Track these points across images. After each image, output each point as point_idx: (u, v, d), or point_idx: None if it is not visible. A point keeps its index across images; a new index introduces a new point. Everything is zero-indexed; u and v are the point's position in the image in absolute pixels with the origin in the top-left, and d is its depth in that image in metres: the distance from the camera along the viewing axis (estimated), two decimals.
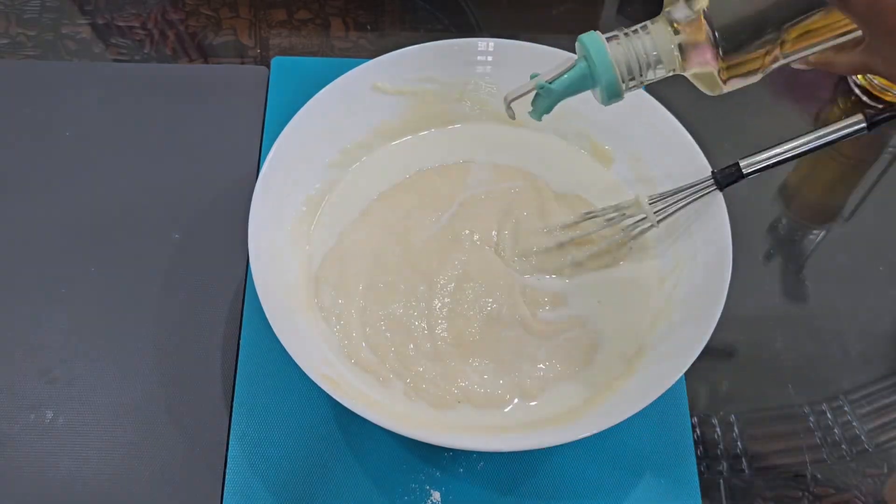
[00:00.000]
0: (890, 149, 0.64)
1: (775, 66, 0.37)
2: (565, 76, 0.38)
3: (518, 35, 0.56)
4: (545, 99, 0.39)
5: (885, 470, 0.50)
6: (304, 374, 0.42)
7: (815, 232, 0.60)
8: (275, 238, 0.50)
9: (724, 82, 0.37)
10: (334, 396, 0.42)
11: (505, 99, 0.40)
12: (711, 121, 0.56)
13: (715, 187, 0.49)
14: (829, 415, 0.52)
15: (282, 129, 0.51)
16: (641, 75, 0.38)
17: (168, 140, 0.61)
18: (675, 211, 0.50)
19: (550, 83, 0.39)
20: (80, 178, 0.59)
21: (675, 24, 0.37)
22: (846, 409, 0.52)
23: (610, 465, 0.48)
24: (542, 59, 0.55)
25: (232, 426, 0.49)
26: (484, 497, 0.47)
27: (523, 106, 0.43)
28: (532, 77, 0.39)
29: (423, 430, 0.44)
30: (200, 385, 0.51)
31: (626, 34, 0.38)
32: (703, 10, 0.35)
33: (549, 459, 0.48)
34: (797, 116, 0.66)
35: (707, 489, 0.49)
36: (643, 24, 0.38)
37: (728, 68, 0.36)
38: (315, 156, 0.54)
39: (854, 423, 0.52)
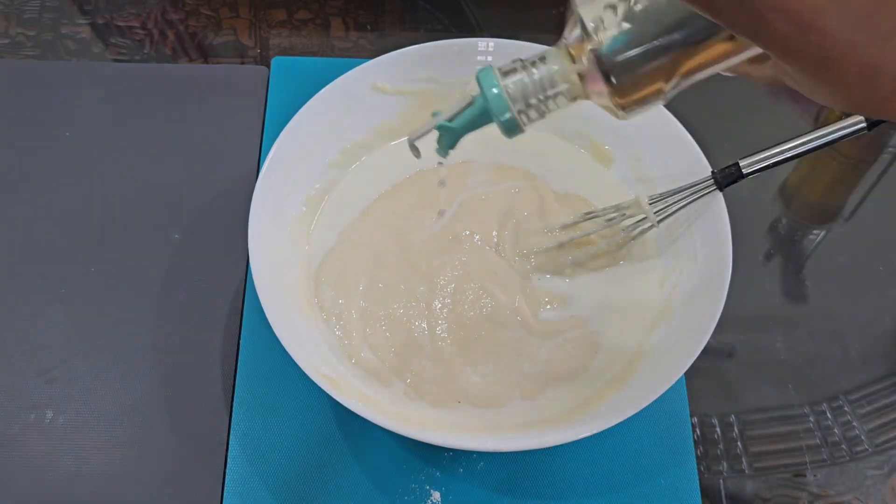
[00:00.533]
0: (890, 149, 0.64)
1: (676, 91, 0.37)
2: (464, 113, 0.38)
3: (518, 35, 0.56)
4: (447, 136, 0.39)
5: (885, 470, 0.50)
6: (304, 374, 0.42)
7: (815, 232, 0.60)
8: (275, 238, 0.50)
9: (623, 110, 0.36)
10: (334, 396, 0.42)
11: (408, 140, 0.40)
12: (711, 121, 0.56)
13: (715, 187, 0.49)
14: (829, 415, 0.52)
15: (282, 129, 0.51)
16: (542, 106, 0.37)
17: (168, 140, 0.61)
18: (675, 211, 0.50)
19: (450, 121, 0.38)
20: (80, 178, 0.59)
21: (570, 52, 0.36)
22: (846, 409, 0.52)
23: (610, 465, 0.48)
24: None
25: (232, 426, 0.49)
26: (484, 497, 0.47)
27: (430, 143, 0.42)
28: (433, 115, 0.38)
29: (423, 430, 0.44)
30: (200, 385, 0.51)
31: (523, 65, 0.37)
32: (587, 41, 0.34)
33: (549, 459, 0.48)
34: (797, 116, 0.66)
35: (707, 489, 0.49)
36: (542, 53, 0.37)
37: (622, 98, 0.35)
38: (315, 156, 0.54)
39: (854, 423, 0.52)
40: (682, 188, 0.50)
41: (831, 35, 0.28)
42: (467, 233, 0.54)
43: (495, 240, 0.54)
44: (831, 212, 0.62)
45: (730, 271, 0.46)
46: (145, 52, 0.67)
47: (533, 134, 0.58)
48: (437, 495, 0.47)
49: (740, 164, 0.48)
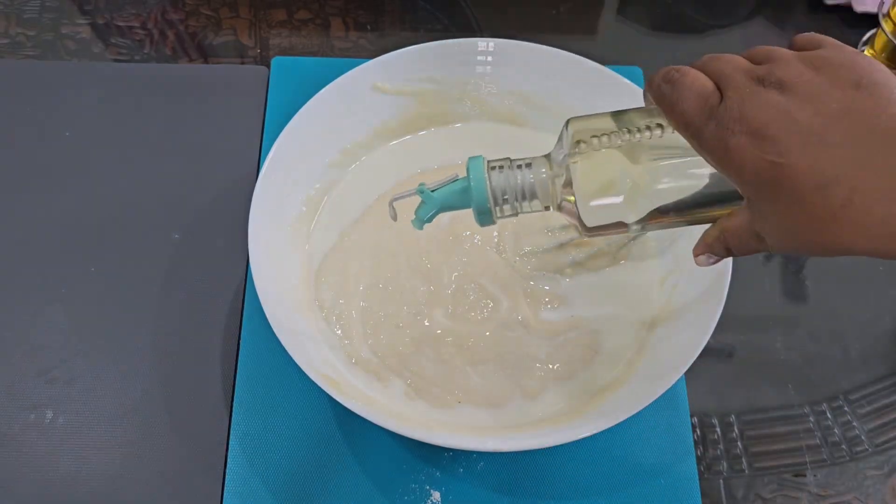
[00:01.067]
0: None
1: (638, 237, 0.39)
2: (446, 188, 0.40)
3: (518, 35, 0.56)
4: (426, 206, 0.41)
5: (885, 470, 0.50)
6: (304, 374, 0.42)
7: None
8: (275, 238, 0.50)
9: (585, 235, 0.39)
10: (334, 396, 0.42)
11: (390, 201, 0.42)
12: None
13: None
14: (829, 415, 0.52)
15: (282, 129, 0.51)
16: (517, 204, 0.39)
17: (168, 140, 0.61)
18: None
19: (433, 191, 0.40)
20: (80, 178, 0.59)
21: (554, 172, 0.39)
22: (846, 409, 0.52)
23: (610, 465, 0.48)
24: (542, 59, 0.55)
25: (232, 426, 0.49)
26: (484, 497, 0.47)
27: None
28: (420, 185, 0.41)
29: (423, 430, 0.44)
30: (200, 385, 0.51)
31: (511, 165, 0.39)
32: (571, 180, 0.37)
33: (549, 459, 0.48)
34: None
35: (707, 489, 0.49)
36: (529, 159, 0.39)
37: (586, 232, 0.38)
38: (315, 156, 0.54)
39: (854, 423, 0.52)
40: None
41: (784, 141, 0.30)
42: (468, 233, 0.54)
43: (496, 240, 0.54)
44: None
45: (730, 271, 0.46)
46: (145, 52, 0.67)
47: (533, 134, 0.59)
48: (437, 495, 0.47)
49: None
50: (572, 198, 0.37)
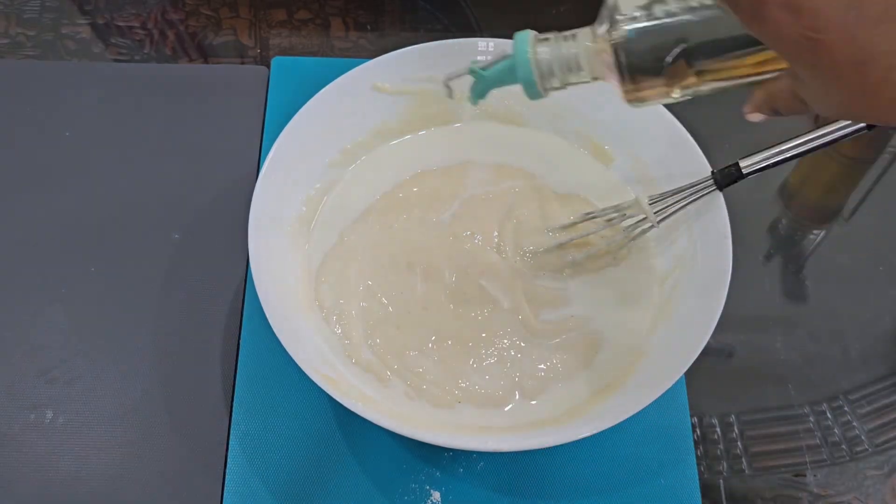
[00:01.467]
0: (890, 149, 0.64)
1: (685, 96, 0.38)
2: (496, 66, 0.40)
3: None
4: (479, 84, 0.41)
5: (885, 470, 0.50)
6: (304, 374, 0.42)
7: (815, 232, 0.60)
8: (275, 238, 0.50)
9: (627, 101, 0.38)
10: (334, 396, 0.42)
11: (443, 78, 0.42)
12: (711, 121, 0.56)
13: (715, 187, 0.49)
14: (829, 415, 0.52)
15: (282, 129, 0.51)
16: (564, 79, 0.39)
17: (168, 140, 0.61)
18: (675, 211, 0.50)
19: (483, 70, 0.41)
20: (80, 178, 0.59)
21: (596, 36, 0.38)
22: (846, 409, 0.52)
23: (610, 465, 0.48)
24: None
25: (232, 426, 0.49)
26: (484, 497, 0.47)
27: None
28: (472, 62, 0.41)
29: (423, 430, 0.44)
30: (200, 385, 0.51)
31: (556, 38, 0.39)
32: (611, 29, 0.36)
33: (549, 459, 0.48)
34: (797, 117, 0.66)
35: (707, 489, 0.49)
36: (575, 30, 0.39)
37: (628, 91, 0.38)
38: (315, 156, 0.54)
39: (854, 423, 0.52)
40: (681, 188, 0.50)
41: (821, 16, 0.28)
42: (468, 233, 0.54)
43: (496, 240, 0.54)
44: (831, 212, 0.62)
45: (730, 271, 0.46)
46: (145, 52, 0.67)
47: (533, 133, 0.59)
48: (437, 495, 0.47)
49: (740, 164, 0.48)
50: (611, 58, 0.37)
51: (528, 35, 0.39)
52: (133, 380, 0.51)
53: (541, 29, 0.40)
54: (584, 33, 0.38)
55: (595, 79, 0.39)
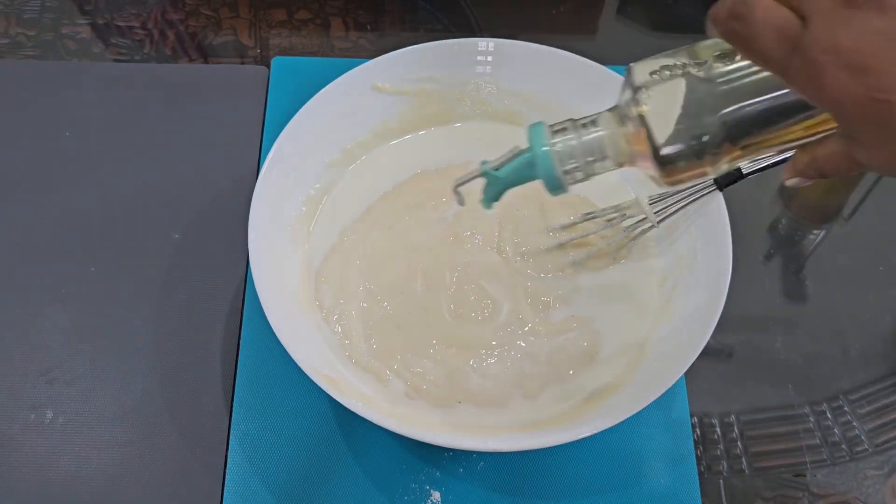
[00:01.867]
0: None
1: (723, 170, 0.35)
2: (511, 164, 0.38)
3: (518, 35, 0.56)
4: (493, 186, 0.39)
5: (885, 470, 0.50)
6: (304, 374, 0.42)
7: (815, 232, 0.60)
8: (275, 238, 0.50)
9: (666, 184, 0.36)
10: (334, 396, 0.42)
11: (454, 184, 0.40)
12: None
13: (715, 187, 0.49)
14: (829, 415, 0.52)
15: (282, 129, 0.51)
16: (588, 169, 0.37)
17: (168, 140, 0.61)
18: (675, 211, 0.50)
19: (496, 170, 0.38)
20: (80, 178, 0.59)
21: (621, 121, 0.36)
22: (846, 409, 0.52)
23: (610, 465, 0.48)
24: (542, 59, 0.55)
25: (232, 426, 0.49)
26: (484, 497, 0.47)
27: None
28: (482, 164, 0.38)
29: (423, 430, 0.44)
30: (200, 385, 0.51)
31: (574, 125, 0.36)
32: (642, 116, 0.34)
33: (549, 459, 0.48)
34: None
35: (707, 489, 0.49)
36: (594, 115, 0.36)
37: (665, 176, 0.35)
38: (315, 155, 0.54)
39: (854, 423, 0.52)
40: (681, 188, 0.50)
41: (890, 75, 0.26)
42: (468, 233, 0.54)
43: (496, 240, 0.54)
44: (831, 212, 0.62)
45: (730, 271, 0.46)
46: (145, 52, 0.67)
47: None
48: (437, 495, 0.47)
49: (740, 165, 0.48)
50: (644, 145, 0.34)
51: (542, 127, 0.37)
52: (133, 380, 0.51)
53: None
54: (604, 118, 0.36)
55: (621, 165, 0.36)
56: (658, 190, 0.52)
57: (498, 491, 0.48)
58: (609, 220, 0.53)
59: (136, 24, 0.68)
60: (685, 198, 0.50)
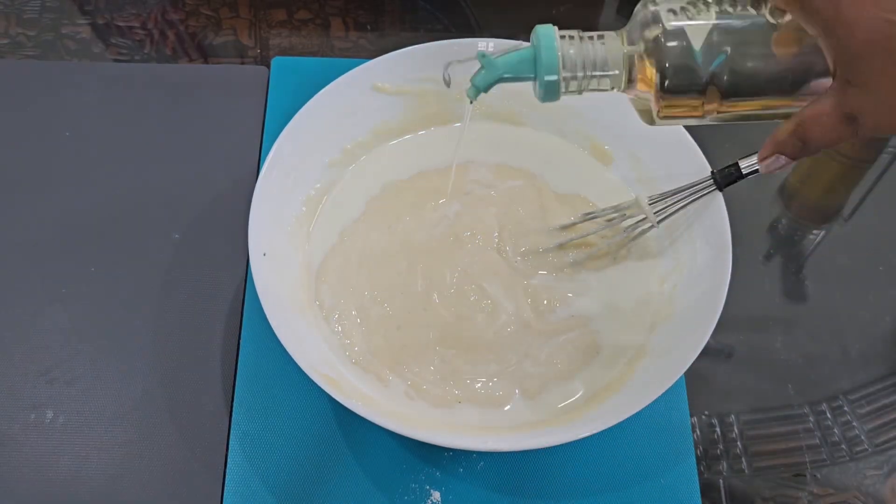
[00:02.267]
0: (890, 149, 0.64)
1: (715, 118, 0.36)
2: (511, 56, 0.37)
3: (518, 35, 0.56)
4: (486, 73, 0.38)
5: (885, 470, 0.50)
6: (304, 374, 0.42)
7: (815, 232, 0.60)
8: (275, 238, 0.50)
9: (658, 118, 0.36)
10: (334, 396, 0.42)
11: (445, 65, 0.40)
12: None
13: (714, 187, 0.49)
14: (829, 415, 0.52)
15: (282, 129, 0.51)
16: (584, 80, 0.37)
17: (168, 140, 0.61)
18: (675, 211, 0.50)
19: (495, 58, 0.38)
20: (80, 178, 0.59)
21: (629, 44, 0.36)
22: (846, 409, 0.52)
23: (610, 465, 0.48)
24: None
25: (232, 426, 0.49)
26: (484, 497, 0.47)
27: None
28: (480, 51, 0.38)
29: (423, 430, 0.44)
30: (200, 385, 0.51)
31: (581, 37, 0.37)
32: (654, 39, 0.34)
33: (549, 459, 0.48)
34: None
35: (707, 489, 0.49)
36: (601, 32, 0.37)
37: (664, 107, 0.35)
38: (315, 155, 0.54)
39: (854, 423, 0.52)
40: (681, 188, 0.50)
41: None
42: (468, 233, 0.54)
43: (496, 240, 0.54)
44: (831, 212, 0.62)
45: (730, 271, 0.46)
46: (145, 52, 0.67)
47: (533, 133, 0.59)
48: (437, 495, 0.47)
49: (740, 164, 0.48)
50: (652, 71, 0.34)
51: (553, 29, 0.37)
52: (133, 380, 0.51)
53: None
54: (611, 37, 0.36)
55: (614, 88, 0.37)
56: (657, 189, 0.52)
57: (498, 491, 0.48)
58: (609, 220, 0.53)
59: (136, 24, 0.68)
60: (685, 198, 0.49)
